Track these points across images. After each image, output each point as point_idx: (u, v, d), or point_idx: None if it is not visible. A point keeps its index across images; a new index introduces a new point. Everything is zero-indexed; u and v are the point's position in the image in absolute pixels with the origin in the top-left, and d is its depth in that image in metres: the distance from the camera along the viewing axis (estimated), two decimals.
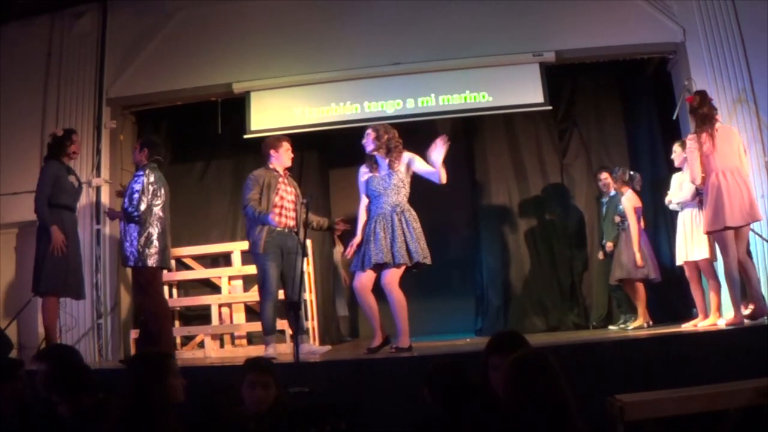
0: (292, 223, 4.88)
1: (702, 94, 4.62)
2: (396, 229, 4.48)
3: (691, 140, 4.54)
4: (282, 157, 5.00)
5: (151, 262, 4.69)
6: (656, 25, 5.98)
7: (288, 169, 6.96)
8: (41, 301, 4.83)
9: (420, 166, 4.68)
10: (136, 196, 4.67)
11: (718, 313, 4.79)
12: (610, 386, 3.08)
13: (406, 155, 4.73)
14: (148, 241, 4.69)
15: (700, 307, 4.93)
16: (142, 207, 4.66)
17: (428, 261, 4.56)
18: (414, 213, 4.62)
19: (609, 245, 5.86)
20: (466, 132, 7.02)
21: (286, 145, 5.04)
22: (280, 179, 4.94)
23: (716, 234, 4.44)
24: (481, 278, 6.68)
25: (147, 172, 4.78)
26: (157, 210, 4.77)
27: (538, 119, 6.71)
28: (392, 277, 4.48)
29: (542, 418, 1.99)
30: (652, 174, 6.25)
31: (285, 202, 4.89)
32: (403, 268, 4.51)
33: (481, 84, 6.16)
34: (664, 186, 5.51)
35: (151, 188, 4.73)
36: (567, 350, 4.08)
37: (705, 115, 4.50)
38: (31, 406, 2.86)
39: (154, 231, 4.73)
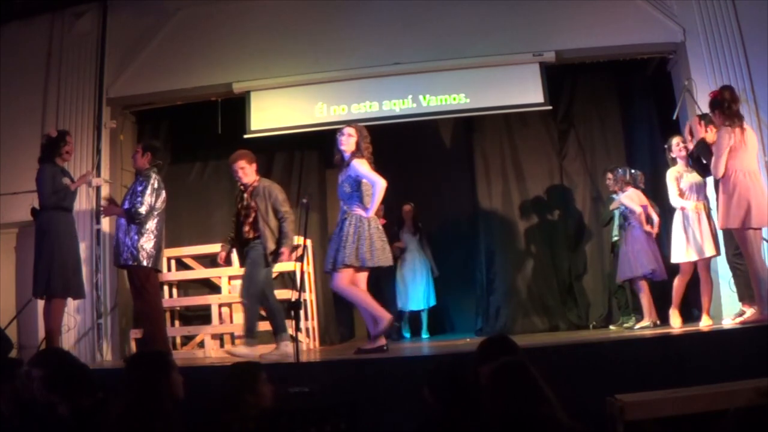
0: (231, 234, 5.05)
1: (731, 90, 4.54)
2: (334, 237, 4.62)
3: (724, 132, 4.40)
4: (237, 175, 5.01)
5: (147, 263, 4.72)
6: (656, 25, 5.98)
7: (288, 168, 7.02)
8: (45, 303, 4.82)
9: (364, 171, 4.61)
10: (139, 198, 4.72)
11: (707, 315, 4.80)
12: (610, 386, 3.07)
13: (354, 162, 4.63)
14: (147, 242, 4.75)
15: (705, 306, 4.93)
16: (145, 209, 4.72)
17: (356, 263, 4.46)
18: (357, 218, 4.51)
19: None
20: (467, 132, 7.02)
21: (240, 164, 4.98)
22: (245, 194, 5.02)
23: (739, 231, 4.40)
24: (481, 278, 6.68)
25: (152, 175, 4.85)
26: (157, 213, 4.83)
27: (538, 119, 6.71)
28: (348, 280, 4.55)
29: (527, 428, 1.97)
30: (652, 174, 6.23)
31: (234, 217, 5.09)
32: (348, 271, 4.50)
33: (481, 84, 6.16)
34: (665, 186, 5.49)
35: (155, 192, 4.80)
36: (567, 350, 4.08)
37: (737, 111, 4.45)
38: (31, 407, 2.85)
39: (153, 233, 4.79)
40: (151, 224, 4.80)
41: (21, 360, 3.19)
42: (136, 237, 4.72)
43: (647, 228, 5.45)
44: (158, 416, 2.32)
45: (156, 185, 4.85)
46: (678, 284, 5.02)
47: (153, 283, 4.93)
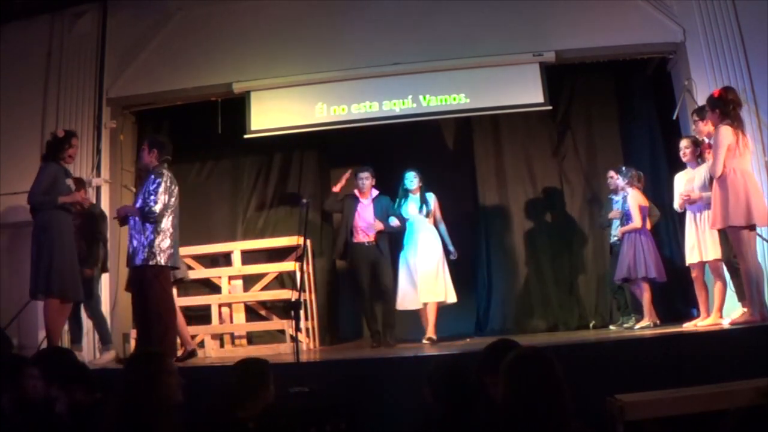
0: None
1: (735, 93, 4.55)
2: None
3: (724, 129, 4.35)
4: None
5: (163, 260, 4.62)
6: (656, 25, 5.98)
7: (288, 168, 7.02)
8: (44, 303, 4.80)
9: None
10: (153, 197, 4.58)
11: (719, 313, 4.78)
12: (610, 386, 3.07)
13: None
14: (163, 241, 4.60)
15: (704, 307, 4.91)
16: (159, 207, 4.57)
17: None
18: None
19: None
20: (467, 132, 7.02)
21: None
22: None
23: (735, 230, 4.38)
24: (482, 278, 6.68)
25: (165, 172, 4.71)
26: (170, 210, 4.70)
27: (538, 119, 6.70)
28: None
29: (542, 418, 1.96)
30: (652, 174, 6.23)
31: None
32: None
33: (481, 84, 6.16)
34: (665, 186, 5.49)
35: (168, 189, 4.66)
36: (567, 350, 4.07)
37: (738, 115, 4.44)
38: (33, 405, 2.85)
39: (168, 231, 4.64)
40: (167, 222, 4.65)
41: (26, 358, 3.18)
42: (152, 236, 4.57)
43: (647, 226, 5.47)
44: (155, 417, 2.31)
45: (169, 183, 4.69)
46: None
47: (166, 281, 4.78)
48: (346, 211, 5.93)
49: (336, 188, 6.04)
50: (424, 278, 5.67)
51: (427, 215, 5.81)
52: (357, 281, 5.90)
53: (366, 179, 5.90)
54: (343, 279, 6.91)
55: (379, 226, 5.76)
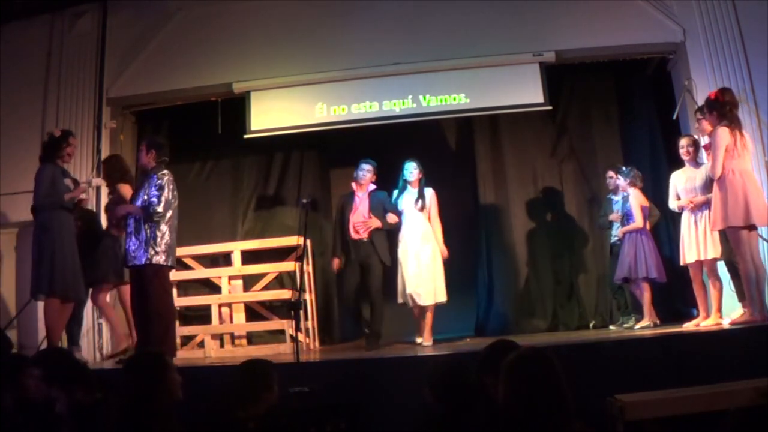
0: None
1: (732, 94, 4.57)
2: None
3: (721, 131, 4.39)
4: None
5: (161, 260, 4.61)
6: (656, 25, 5.98)
7: (288, 168, 7.02)
8: (45, 303, 4.79)
9: None
10: (156, 195, 4.57)
11: (719, 313, 4.78)
12: (610, 386, 3.08)
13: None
14: (162, 240, 4.59)
15: (703, 306, 4.92)
16: (162, 206, 4.56)
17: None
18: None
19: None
20: (467, 132, 7.02)
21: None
22: None
23: (734, 231, 4.38)
24: (482, 277, 6.67)
25: (165, 172, 4.70)
26: (172, 210, 4.69)
27: (538, 119, 6.70)
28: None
29: (543, 419, 1.96)
30: (652, 174, 6.23)
31: None
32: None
33: (481, 84, 6.16)
34: (665, 186, 5.47)
35: (171, 191, 4.66)
36: (567, 350, 4.08)
37: (736, 116, 4.47)
38: (33, 405, 2.86)
39: (167, 230, 4.63)
40: (167, 221, 4.63)
41: (26, 358, 3.18)
42: (152, 235, 4.56)
43: (647, 227, 5.47)
44: (156, 417, 2.32)
45: (171, 185, 4.70)
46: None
47: (166, 280, 4.76)
48: (345, 208, 5.70)
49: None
50: (417, 280, 5.41)
51: (422, 209, 5.51)
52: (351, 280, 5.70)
53: (368, 171, 5.64)
54: (342, 279, 6.90)
55: (377, 223, 5.51)
